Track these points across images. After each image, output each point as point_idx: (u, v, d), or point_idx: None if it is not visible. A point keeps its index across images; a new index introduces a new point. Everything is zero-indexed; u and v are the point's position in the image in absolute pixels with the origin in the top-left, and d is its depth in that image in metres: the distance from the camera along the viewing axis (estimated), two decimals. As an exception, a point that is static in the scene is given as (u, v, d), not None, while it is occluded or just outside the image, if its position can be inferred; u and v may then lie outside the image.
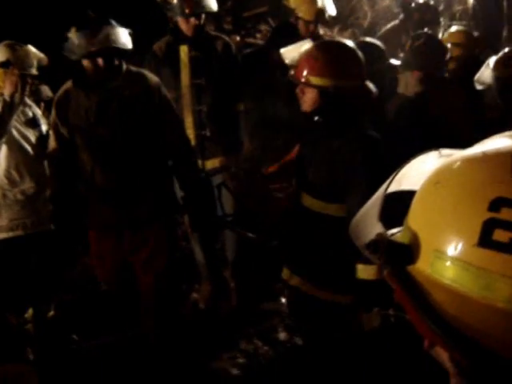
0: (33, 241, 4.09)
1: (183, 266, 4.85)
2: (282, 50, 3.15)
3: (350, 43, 2.99)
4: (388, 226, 0.98)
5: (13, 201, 4.07)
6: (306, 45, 2.95)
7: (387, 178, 1.05)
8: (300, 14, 4.96)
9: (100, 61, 3.33)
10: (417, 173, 1.02)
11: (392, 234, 0.96)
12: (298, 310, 3.13)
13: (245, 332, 4.07)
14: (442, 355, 0.91)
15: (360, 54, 2.88)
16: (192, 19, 4.27)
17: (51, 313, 4.40)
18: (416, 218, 0.92)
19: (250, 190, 3.77)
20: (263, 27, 8.06)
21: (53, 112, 3.57)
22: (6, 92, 3.87)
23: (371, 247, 0.92)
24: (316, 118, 2.82)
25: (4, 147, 3.99)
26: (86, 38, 3.30)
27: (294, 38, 4.85)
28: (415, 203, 0.94)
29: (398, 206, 0.99)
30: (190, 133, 4.28)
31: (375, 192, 1.07)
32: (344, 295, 2.80)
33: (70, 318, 4.34)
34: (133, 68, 3.52)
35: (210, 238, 4.55)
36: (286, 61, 3.07)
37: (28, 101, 4.21)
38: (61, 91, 3.55)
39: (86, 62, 3.36)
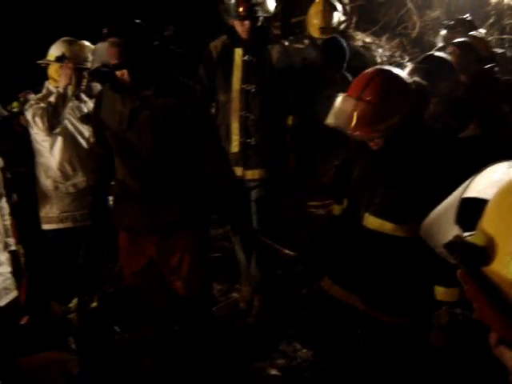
0: (81, 233, 4.20)
1: (224, 266, 4.92)
2: (327, 120, 2.85)
3: (379, 73, 2.81)
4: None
5: (64, 193, 4.19)
6: (339, 100, 2.79)
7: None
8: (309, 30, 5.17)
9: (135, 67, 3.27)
10: (487, 181, 1.08)
11: (465, 237, 1.02)
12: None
13: (284, 333, 4.10)
14: (507, 354, 0.97)
15: (392, 70, 2.80)
16: (247, 22, 4.12)
17: (94, 304, 4.51)
18: (492, 222, 0.99)
19: (292, 206, 3.79)
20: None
21: (93, 110, 3.63)
22: (61, 84, 4.04)
23: (450, 248, 0.99)
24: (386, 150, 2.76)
25: (59, 141, 4.12)
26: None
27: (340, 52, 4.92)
28: (490, 209, 1.01)
29: (468, 211, 1.06)
30: (235, 139, 4.25)
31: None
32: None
33: (113, 310, 4.43)
34: (171, 75, 3.43)
35: (251, 237, 4.45)
36: (333, 125, 2.82)
37: (84, 97, 4.34)
38: (101, 91, 3.61)
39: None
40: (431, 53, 4.01)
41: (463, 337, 2.57)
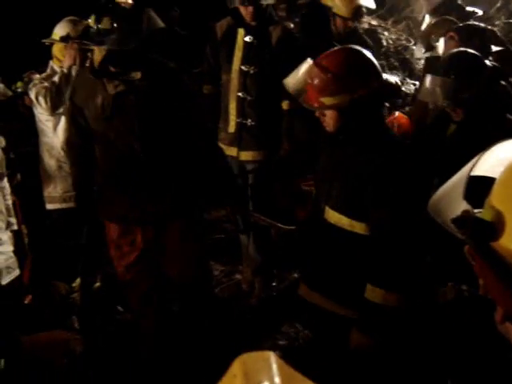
0: (84, 213, 4.20)
1: (227, 248, 4.93)
2: (285, 80, 2.83)
3: (347, 48, 2.67)
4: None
5: (68, 173, 4.19)
6: (304, 66, 2.68)
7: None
8: (336, 10, 4.81)
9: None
10: (494, 160, 1.08)
11: (474, 212, 1.03)
12: (318, 326, 2.97)
13: (286, 315, 4.12)
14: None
15: (363, 52, 2.61)
16: (250, 7, 4.11)
17: (97, 284, 4.53)
18: (500, 199, 0.99)
19: (284, 189, 3.76)
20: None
21: (67, 97, 3.49)
22: (65, 64, 4.03)
23: (458, 222, 1.01)
24: (341, 137, 2.60)
25: (63, 121, 4.11)
26: (128, 29, 3.14)
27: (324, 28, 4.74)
28: (499, 186, 1.01)
29: (476, 188, 1.06)
30: (232, 119, 4.24)
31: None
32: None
33: (115, 290, 4.45)
34: (156, 58, 3.30)
35: (247, 215, 4.34)
36: (290, 90, 2.77)
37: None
38: (76, 79, 3.49)
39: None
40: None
41: (469, 313, 2.57)
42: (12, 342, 3.43)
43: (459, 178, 1.12)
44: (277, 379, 0.50)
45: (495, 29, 7.72)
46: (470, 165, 1.10)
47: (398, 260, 2.43)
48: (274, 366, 0.54)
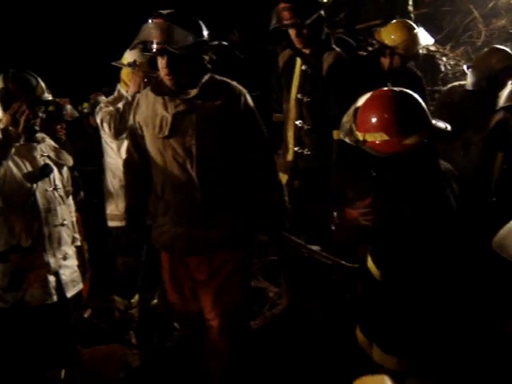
0: (146, 232, 4.31)
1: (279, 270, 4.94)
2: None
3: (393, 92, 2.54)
4: None
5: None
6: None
7: None
8: (399, 50, 4.58)
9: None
10: None
11: None
12: None
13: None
14: None
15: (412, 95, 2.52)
16: (293, 30, 4.00)
17: (155, 300, 4.63)
18: None
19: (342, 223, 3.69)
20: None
21: (131, 117, 3.41)
22: (130, 91, 4.11)
23: None
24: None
25: (126, 143, 4.24)
26: None
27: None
28: None
29: None
30: (291, 148, 4.22)
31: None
32: None
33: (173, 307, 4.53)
34: (216, 77, 3.24)
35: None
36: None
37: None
38: (142, 93, 3.42)
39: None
40: None
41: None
42: (72, 353, 3.58)
43: None
44: None
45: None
46: None
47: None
48: None
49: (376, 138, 2.44)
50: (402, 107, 2.45)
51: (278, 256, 4.44)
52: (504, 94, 3.45)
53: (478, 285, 2.55)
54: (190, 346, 3.72)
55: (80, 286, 3.54)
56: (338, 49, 4.11)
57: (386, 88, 2.59)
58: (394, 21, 4.86)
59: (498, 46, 4.72)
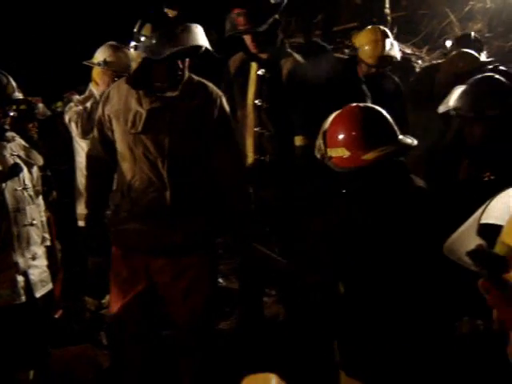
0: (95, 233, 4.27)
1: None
2: None
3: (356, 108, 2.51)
4: None
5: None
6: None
7: None
8: (362, 56, 4.66)
9: (176, 63, 3.05)
10: (503, 207, 1.18)
11: (487, 247, 1.11)
12: None
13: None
14: None
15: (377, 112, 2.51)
16: (248, 36, 3.88)
17: (127, 301, 4.60)
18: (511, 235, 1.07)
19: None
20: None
21: (99, 108, 3.30)
22: (99, 90, 4.09)
23: (473, 255, 1.08)
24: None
25: None
26: (166, 38, 2.99)
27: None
28: (510, 224, 1.09)
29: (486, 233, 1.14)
30: (250, 156, 4.00)
31: None
32: None
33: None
34: (194, 77, 3.21)
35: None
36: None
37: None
38: (114, 85, 3.33)
39: (156, 66, 3.04)
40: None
41: (483, 346, 2.58)
42: (42, 354, 3.55)
43: (470, 221, 1.22)
44: None
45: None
46: (480, 210, 1.21)
47: None
48: None
49: (338, 153, 2.44)
50: (364, 123, 2.45)
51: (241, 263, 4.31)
52: (452, 97, 3.43)
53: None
54: (162, 347, 3.71)
55: (50, 286, 3.51)
56: (295, 54, 4.02)
57: (354, 104, 2.56)
58: (368, 27, 4.88)
59: (466, 50, 4.79)
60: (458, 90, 3.35)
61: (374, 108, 2.56)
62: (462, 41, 5.58)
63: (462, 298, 2.60)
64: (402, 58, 7.82)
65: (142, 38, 3.03)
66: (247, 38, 3.90)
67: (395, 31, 8.23)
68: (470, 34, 5.86)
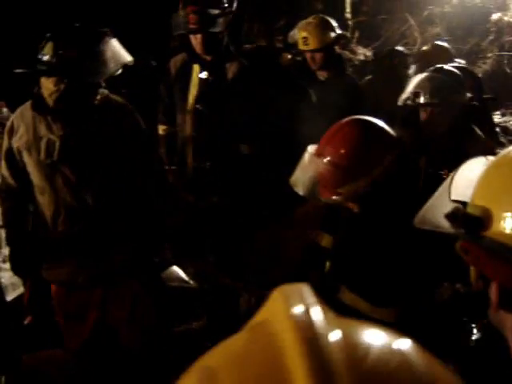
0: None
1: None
2: (291, 181, 2.40)
3: (346, 128, 2.30)
4: None
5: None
6: (306, 157, 2.31)
7: None
8: (300, 46, 4.54)
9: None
10: (465, 182, 1.24)
11: (464, 209, 1.17)
12: None
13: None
14: (505, 321, 1.08)
15: (368, 123, 2.33)
16: (198, 35, 3.68)
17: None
18: (483, 195, 1.13)
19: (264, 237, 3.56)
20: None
21: (5, 138, 3.03)
22: None
23: (450, 217, 1.14)
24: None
25: None
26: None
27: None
28: (480, 186, 1.15)
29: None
30: (189, 162, 3.85)
31: None
32: None
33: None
34: (111, 96, 3.04)
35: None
36: (301, 193, 2.37)
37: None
38: (16, 114, 3.04)
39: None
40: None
41: (465, 309, 2.61)
42: (13, 359, 3.51)
43: (440, 192, 1.28)
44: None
45: (488, 61, 7.93)
46: (446, 183, 1.28)
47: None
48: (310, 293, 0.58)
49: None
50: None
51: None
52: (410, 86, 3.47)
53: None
54: (131, 351, 3.70)
55: (21, 290, 3.48)
56: (242, 58, 3.88)
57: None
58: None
59: (439, 43, 4.94)
60: (417, 79, 3.46)
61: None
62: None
63: (438, 265, 2.66)
64: (363, 61, 8.01)
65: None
66: (195, 38, 3.70)
67: (356, 36, 8.37)
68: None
